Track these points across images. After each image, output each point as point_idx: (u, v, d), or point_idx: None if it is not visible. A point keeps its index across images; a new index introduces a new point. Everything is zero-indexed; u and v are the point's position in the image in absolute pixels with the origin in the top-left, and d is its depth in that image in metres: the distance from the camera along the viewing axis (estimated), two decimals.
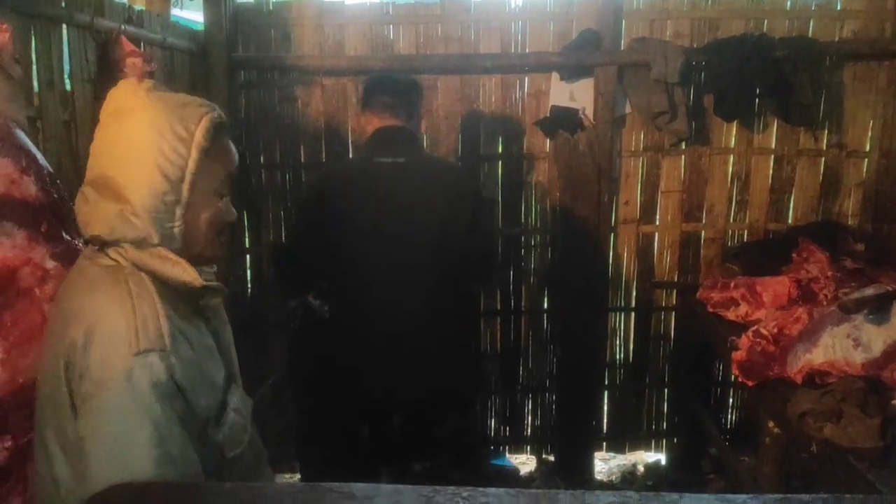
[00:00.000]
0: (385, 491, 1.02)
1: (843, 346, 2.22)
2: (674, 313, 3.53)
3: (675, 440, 3.65)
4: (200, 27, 3.12)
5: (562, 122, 3.25)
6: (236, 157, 1.31)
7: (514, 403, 3.61)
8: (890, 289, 2.40)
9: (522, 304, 3.49)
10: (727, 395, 3.62)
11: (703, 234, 3.44)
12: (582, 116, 3.21)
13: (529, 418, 3.64)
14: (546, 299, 3.52)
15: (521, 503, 0.97)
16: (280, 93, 3.23)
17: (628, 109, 3.26)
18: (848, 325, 2.28)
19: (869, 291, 2.38)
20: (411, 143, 2.37)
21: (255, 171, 3.27)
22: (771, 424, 2.41)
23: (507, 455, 3.65)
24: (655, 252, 3.47)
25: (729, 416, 3.64)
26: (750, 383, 2.37)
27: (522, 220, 3.40)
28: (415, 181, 2.29)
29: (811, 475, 2.13)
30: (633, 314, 3.54)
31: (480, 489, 1.00)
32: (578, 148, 3.24)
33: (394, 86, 2.40)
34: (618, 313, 3.54)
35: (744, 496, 0.97)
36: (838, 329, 2.28)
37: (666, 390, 3.64)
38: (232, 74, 3.09)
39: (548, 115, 3.26)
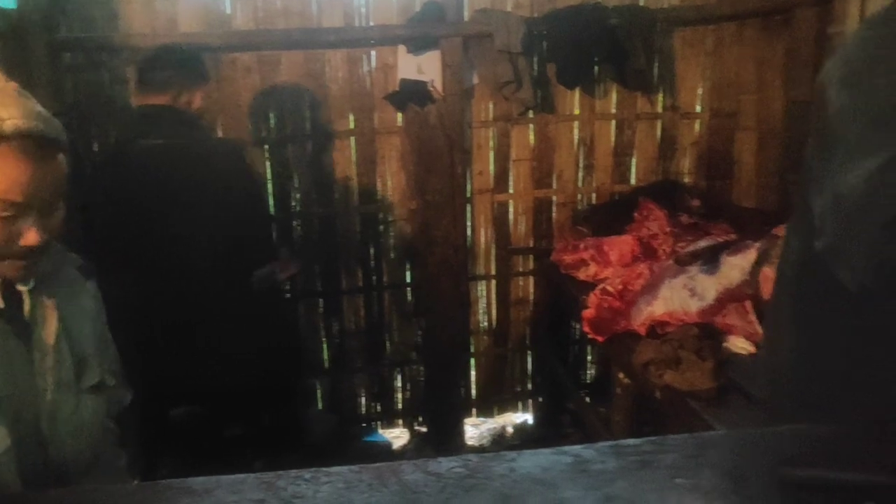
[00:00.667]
0: (225, 482, 0.98)
1: (680, 296, 2.37)
2: (532, 278, 3.64)
3: (540, 399, 3.78)
4: (12, 6, 2.86)
5: (411, 95, 3.24)
6: (22, 182, 1.10)
7: (383, 378, 3.62)
8: (720, 240, 2.58)
9: (384, 279, 3.49)
10: (584, 352, 3.79)
11: (554, 199, 3.56)
12: (431, 89, 3.22)
13: (399, 392, 3.67)
14: (408, 273, 3.53)
15: (364, 478, 0.96)
16: (110, 74, 3.03)
17: (476, 80, 3.30)
18: (684, 277, 2.43)
19: (701, 244, 2.55)
20: (178, 124, 2.22)
21: (88, 159, 3.06)
22: (621, 376, 2.54)
23: (380, 430, 3.66)
24: (511, 220, 3.55)
25: (587, 372, 3.81)
26: (600, 339, 2.49)
27: (378, 197, 3.39)
28: (176, 165, 2.16)
29: (658, 420, 2.28)
30: (493, 282, 3.62)
31: (324, 469, 0.99)
32: (429, 121, 3.24)
33: (162, 61, 2.25)
34: (479, 282, 3.61)
35: (578, 447, 1.01)
36: (675, 281, 2.43)
37: (528, 353, 3.76)
38: (54, 57, 2.86)
39: (397, 88, 3.25)
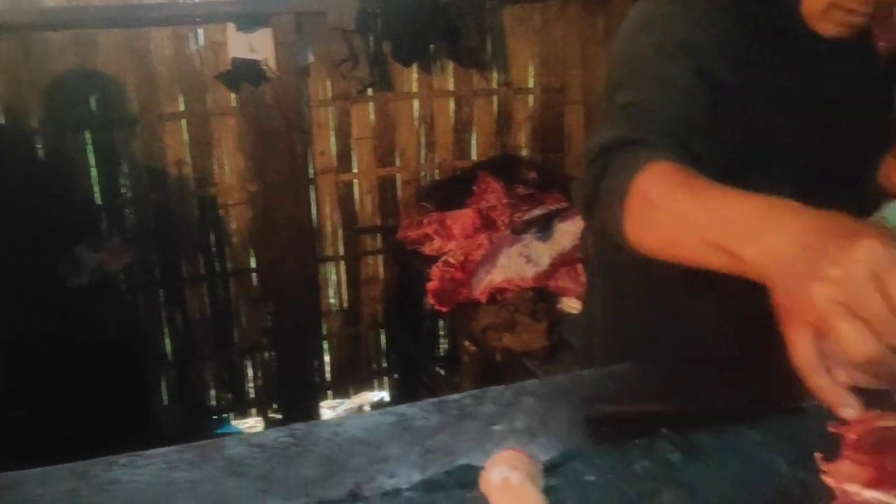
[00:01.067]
0: (33, 475, 0.93)
1: (516, 263, 2.47)
2: (380, 257, 3.66)
3: (395, 376, 3.83)
4: None
5: (244, 74, 3.15)
6: None
7: (234, 367, 3.53)
8: (552, 208, 2.70)
9: (228, 264, 3.39)
10: (435, 326, 3.86)
11: (398, 177, 3.58)
12: (264, 67, 3.14)
13: (251, 380, 3.59)
14: (253, 257, 3.45)
15: (186, 457, 0.94)
16: None
17: (311, 59, 3.25)
18: (520, 245, 2.54)
19: (535, 213, 2.67)
20: None
21: None
22: (466, 344, 2.62)
23: (233, 421, 3.57)
24: (357, 199, 3.55)
25: (439, 345, 3.90)
26: (444, 309, 2.55)
27: (216, 180, 3.28)
28: None
29: (500, 382, 2.37)
30: (342, 262, 3.61)
31: (143, 452, 0.95)
32: (265, 100, 3.17)
33: None
34: (327, 263, 3.59)
35: (403, 406, 1.04)
36: (512, 249, 2.52)
37: (381, 331, 3.79)
38: None
39: (229, 67, 3.14)
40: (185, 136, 3.18)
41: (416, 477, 0.85)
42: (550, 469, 0.84)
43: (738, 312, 0.69)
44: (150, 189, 3.15)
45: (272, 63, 3.13)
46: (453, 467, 0.86)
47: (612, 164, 0.88)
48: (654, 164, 0.82)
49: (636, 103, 0.93)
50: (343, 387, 3.79)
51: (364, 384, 3.84)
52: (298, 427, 1.00)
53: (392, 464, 0.89)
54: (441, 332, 3.87)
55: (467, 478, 0.83)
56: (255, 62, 3.13)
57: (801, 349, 0.64)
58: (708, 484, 0.80)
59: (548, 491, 0.79)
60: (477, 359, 2.56)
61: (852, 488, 0.73)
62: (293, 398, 3.53)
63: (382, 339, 3.81)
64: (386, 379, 3.87)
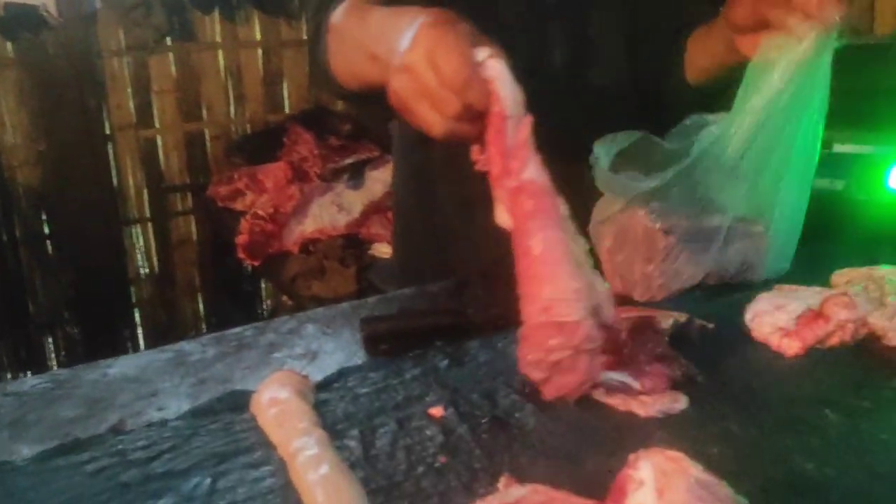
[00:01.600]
0: None
1: (328, 212, 2.45)
2: (192, 216, 3.50)
3: None
4: None
5: (21, 21, 2.86)
6: None
7: (30, 343, 3.25)
8: (364, 157, 2.70)
9: (17, 231, 3.10)
10: (257, 284, 3.77)
11: (206, 132, 3.43)
12: (44, 14, 2.86)
13: (53, 355, 3.33)
14: (46, 222, 3.18)
15: None
16: None
17: (99, 5, 3.01)
18: (332, 194, 2.52)
19: (346, 161, 2.65)
20: None
21: None
22: (284, 298, 2.58)
23: None
24: (161, 156, 3.36)
25: (262, 304, 3.81)
26: (255, 263, 2.49)
27: None
28: None
29: None
30: (149, 224, 3.41)
31: None
32: (48, 50, 2.90)
33: None
34: (133, 225, 3.38)
35: (182, 343, 1.00)
36: (324, 199, 2.50)
37: (199, 293, 3.64)
38: None
39: (2, 13, 2.84)
40: None
41: (186, 406, 0.83)
42: (324, 386, 0.84)
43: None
44: None
45: (52, 9, 2.86)
46: (224, 393, 0.84)
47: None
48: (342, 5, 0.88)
49: None
50: None
51: None
52: (60, 372, 0.94)
53: (161, 397, 0.86)
54: (263, 290, 3.79)
55: (239, 402, 0.82)
56: (33, 7, 2.85)
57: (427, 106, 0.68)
58: (469, 382, 0.83)
59: (319, 405, 0.80)
60: (292, 311, 2.53)
61: None
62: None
63: (200, 302, 3.66)
64: None
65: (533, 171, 0.67)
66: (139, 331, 3.52)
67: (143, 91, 3.23)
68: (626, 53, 1.14)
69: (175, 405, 0.84)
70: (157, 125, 3.30)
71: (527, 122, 0.67)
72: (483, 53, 0.67)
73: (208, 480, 0.69)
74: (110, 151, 3.18)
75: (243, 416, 0.79)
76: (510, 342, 0.91)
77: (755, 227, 1.02)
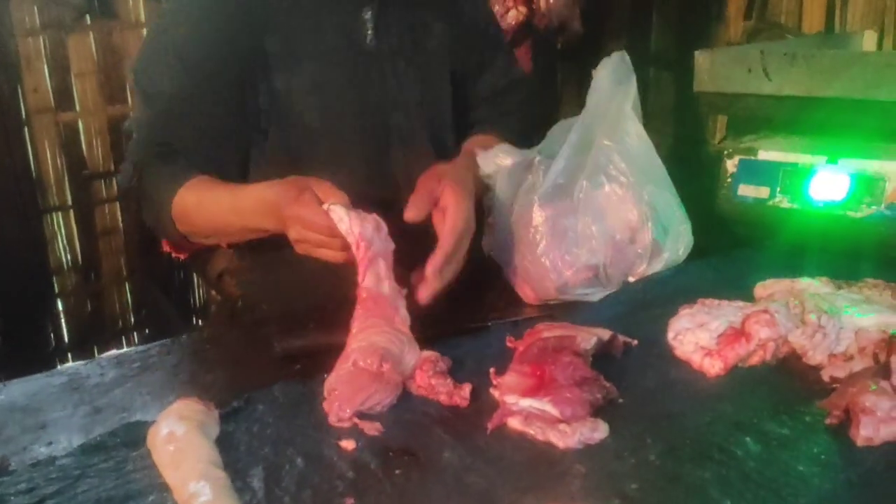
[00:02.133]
0: None
1: None
2: (118, 204, 3.35)
3: (147, 331, 3.58)
4: None
5: None
6: None
7: None
8: None
9: None
10: (190, 276, 3.65)
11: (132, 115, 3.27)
12: None
13: None
14: None
15: None
16: None
17: None
18: None
19: None
20: None
21: None
22: (213, 293, 2.49)
23: None
24: (83, 142, 3.19)
25: (195, 296, 3.69)
26: (181, 256, 2.38)
27: None
28: None
29: None
30: (71, 212, 3.25)
31: None
32: None
33: None
34: (54, 214, 3.21)
35: (77, 364, 0.94)
36: None
37: (126, 284, 3.50)
38: None
39: None
40: None
41: (78, 441, 0.77)
42: (230, 415, 0.79)
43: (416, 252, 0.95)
44: None
45: None
46: (120, 426, 0.78)
47: (147, 175, 1.16)
48: (181, 187, 1.10)
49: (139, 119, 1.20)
50: (85, 348, 3.47)
51: (110, 343, 3.54)
52: None
53: (51, 429, 0.80)
54: (197, 282, 3.66)
55: (134, 435, 0.76)
56: None
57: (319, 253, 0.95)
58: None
59: (222, 438, 0.75)
60: (224, 307, 2.44)
61: (511, 399, 0.76)
62: (22, 366, 3.16)
63: (128, 293, 3.52)
64: (136, 335, 3.60)
65: (370, 281, 0.90)
66: (62, 321, 3.37)
67: (61, 72, 3.05)
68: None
69: (65, 439, 0.78)
70: (77, 109, 3.14)
71: (364, 248, 0.90)
72: (325, 205, 0.92)
73: None
74: (27, 136, 3.01)
75: (139, 451, 0.74)
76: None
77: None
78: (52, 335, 3.29)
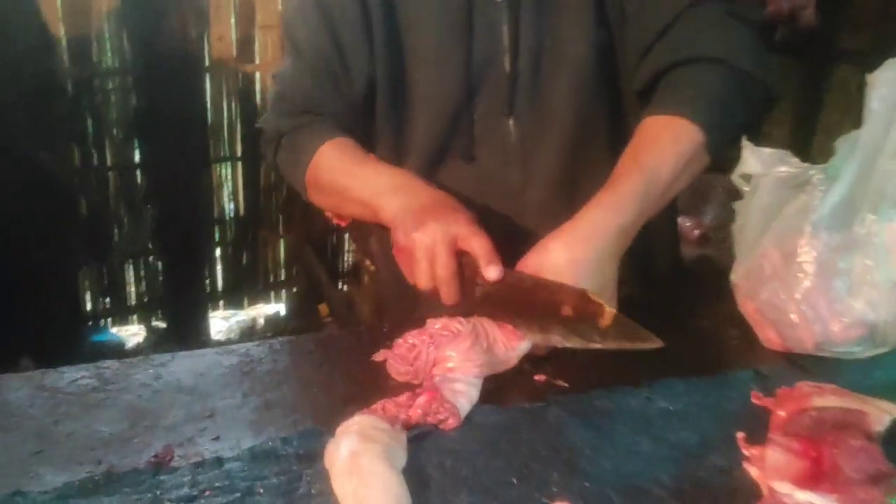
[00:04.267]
0: None
1: None
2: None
3: (294, 290, 3.62)
4: None
5: None
6: None
7: (113, 272, 3.23)
8: None
9: (108, 159, 3.04)
10: (342, 240, 3.65)
11: None
12: None
13: (133, 286, 3.30)
14: (137, 152, 3.11)
15: None
16: None
17: None
18: None
19: None
20: None
21: None
22: (367, 262, 2.43)
23: (112, 328, 3.30)
24: (258, 94, 3.23)
25: (344, 261, 3.69)
26: (343, 223, 2.33)
27: (95, 60, 2.89)
28: None
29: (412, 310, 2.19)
30: (239, 164, 3.31)
31: None
32: None
33: None
34: (222, 164, 3.28)
35: (249, 345, 0.84)
36: None
37: (281, 241, 3.54)
38: None
39: None
40: (59, 4, 2.76)
41: (247, 442, 0.66)
42: (416, 440, 0.66)
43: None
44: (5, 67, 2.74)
45: None
46: (294, 432, 0.67)
47: (288, 142, 1.04)
48: (320, 148, 0.98)
49: (282, 90, 1.05)
50: (236, 297, 3.56)
51: (259, 296, 3.62)
52: (108, 365, 0.79)
53: (219, 420, 0.70)
54: (347, 247, 3.66)
55: (309, 447, 0.65)
56: None
57: (417, 270, 0.82)
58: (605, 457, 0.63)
59: (409, 471, 0.62)
60: (379, 279, 2.37)
61: (783, 487, 0.59)
62: (179, 307, 3.28)
63: (282, 249, 3.57)
64: (284, 292, 3.65)
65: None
66: (219, 270, 3.46)
67: (246, 24, 3.09)
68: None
69: (234, 436, 0.68)
70: (257, 61, 3.17)
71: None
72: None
73: None
74: (206, 85, 3.07)
75: (314, 469, 0.62)
76: (657, 410, 0.71)
77: None
78: (207, 280, 3.38)
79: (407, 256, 0.83)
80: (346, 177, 0.95)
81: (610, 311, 0.74)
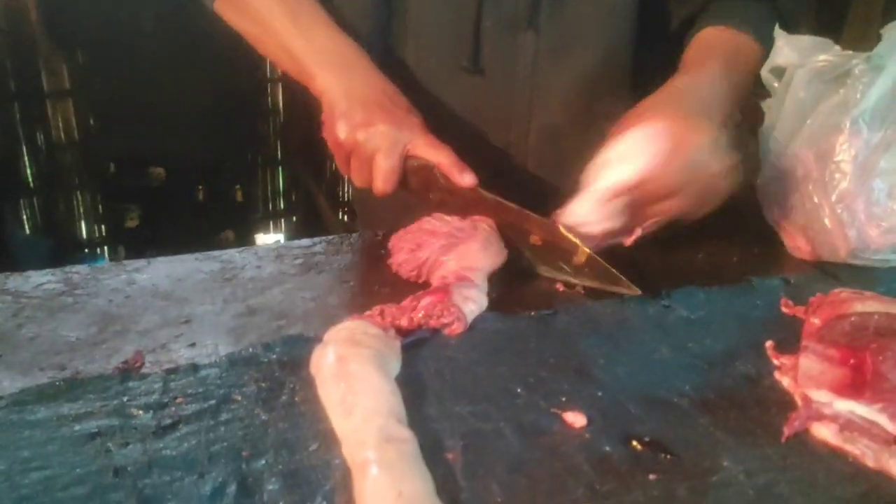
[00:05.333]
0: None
1: None
2: (280, 83, 3.26)
3: (294, 219, 3.55)
4: None
5: None
6: None
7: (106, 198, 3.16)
8: None
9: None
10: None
11: None
12: None
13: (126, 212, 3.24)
14: None
15: None
16: None
17: None
18: None
19: None
20: None
21: None
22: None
23: (106, 256, 3.25)
24: None
25: (344, 189, 3.60)
26: None
27: None
28: None
29: None
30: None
31: None
32: None
33: None
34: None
35: (234, 251, 0.78)
36: None
37: (280, 168, 3.46)
38: None
39: None
40: None
41: (226, 349, 0.60)
42: (412, 347, 0.60)
43: None
44: None
45: None
46: (277, 339, 0.61)
47: None
48: None
49: None
50: (233, 228, 3.49)
51: (259, 225, 3.55)
52: (77, 270, 0.73)
53: (196, 327, 0.64)
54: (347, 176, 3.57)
55: (294, 353, 0.59)
56: None
57: (355, 171, 0.77)
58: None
59: (404, 379, 0.56)
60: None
61: (820, 396, 0.52)
62: (171, 237, 3.21)
63: (280, 177, 3.48)
64: (283, 221, 3.58)
65: None
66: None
67: None
68: None
69: (211, 342, 0.62)
70: None
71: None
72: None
73: (233, 488, 0.46)
74: None
75: (299, 376, 0.56)
76: (681, 318, 0.64)
77: None
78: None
79: (344, 151, 0.77)
80: (283, 13, 0.81)
81: (584, 249, 0.68)
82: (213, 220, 3.31)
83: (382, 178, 0.75)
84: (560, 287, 0.71)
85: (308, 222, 3.45)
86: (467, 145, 0.77)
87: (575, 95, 0.90)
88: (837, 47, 0.75)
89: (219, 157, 3.24)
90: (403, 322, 0.62)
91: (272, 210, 3.53)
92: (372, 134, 0.74)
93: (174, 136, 3.01)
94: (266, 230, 3.56)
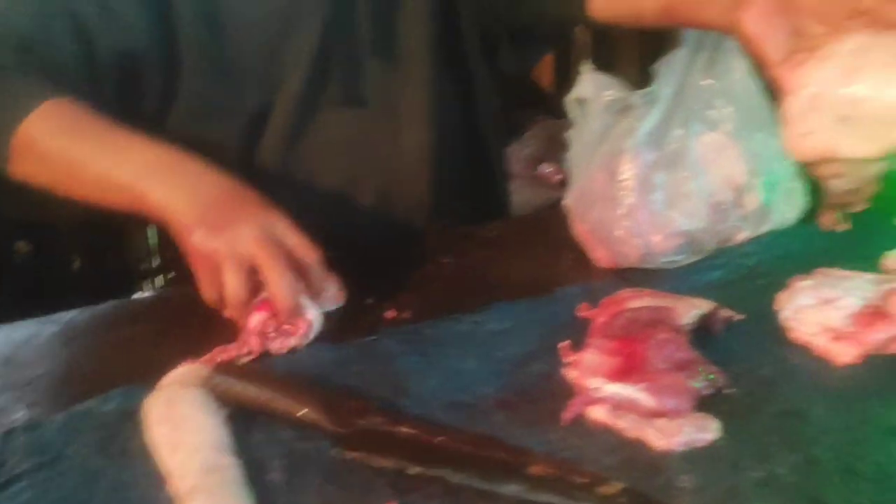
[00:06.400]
0: None
1: None
2: None
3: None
4: None
5: None
6: None
7: None
8: None
9: None
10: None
11: None
12: None
13: None
14: None
15: None
16: None
17: None
18: None
19: None
20: None
21: None
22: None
23: None
24: None
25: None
26: None
27: None
28: None
29: None
30: None
31: None
32: None
33: None
34: None
35: (74, 312, 0.80)
36: None
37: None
38: None
39: None
40: None
41: (66, 406, 0.63)
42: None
43: None
44: None
45: None
46: (114, 392, 0.65)
47: None
48: (42, 105, 0.76)
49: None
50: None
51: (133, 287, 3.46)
52: None
53: (38, 389, 0.66)
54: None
55: (131, 404, 0.62)
56: None
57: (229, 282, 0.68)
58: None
59: (236, 416, 0.60)
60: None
61: (593, 382, 0.61)
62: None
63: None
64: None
65: None
66: None
67: None
68: None
69: (52, 402, 0.65)
70: None
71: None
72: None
73: None
74: None
75: (133, 423, 0.60)
76: (489, 331, 0.72)
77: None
78: None
79: (209, 265, 0.69)
80: (86, 146, 0.75)
81: None
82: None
83: (281, 294, 0.68)
84: (389, 315, 0.78)
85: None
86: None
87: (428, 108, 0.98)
88: (621, 84, 0.87)
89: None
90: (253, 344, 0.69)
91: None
92: (236, 237, 0.67)
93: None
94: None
